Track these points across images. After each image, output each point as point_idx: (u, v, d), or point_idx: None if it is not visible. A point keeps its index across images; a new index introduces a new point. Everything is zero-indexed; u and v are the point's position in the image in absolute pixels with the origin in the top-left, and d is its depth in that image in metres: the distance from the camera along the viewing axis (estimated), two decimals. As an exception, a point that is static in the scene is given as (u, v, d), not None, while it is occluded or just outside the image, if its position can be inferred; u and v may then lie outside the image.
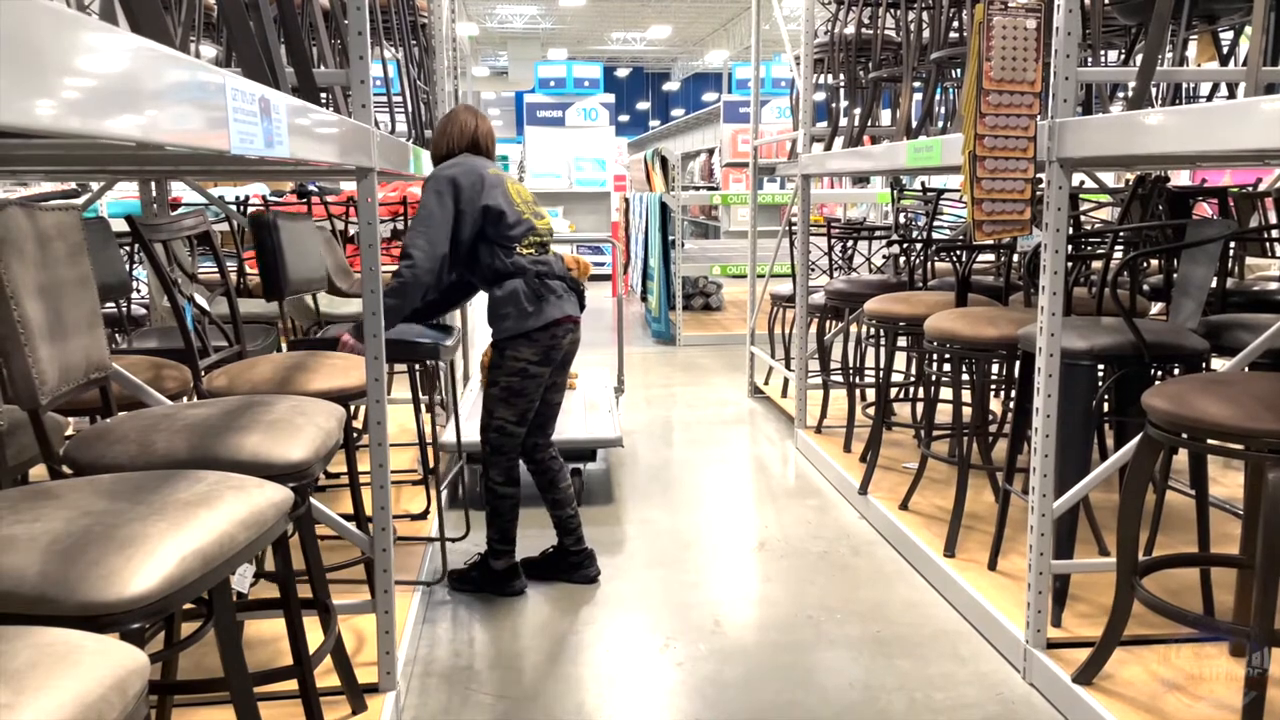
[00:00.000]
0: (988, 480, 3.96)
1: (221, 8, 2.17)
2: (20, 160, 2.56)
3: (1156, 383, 2.77)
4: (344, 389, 2.63)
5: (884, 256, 5.89)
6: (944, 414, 4.56)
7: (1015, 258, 4.02)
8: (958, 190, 4.01)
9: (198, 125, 1.24)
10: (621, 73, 34.01)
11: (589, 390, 5.13)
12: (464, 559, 3.43)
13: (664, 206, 8.75)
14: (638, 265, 10.34)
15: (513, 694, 2.68)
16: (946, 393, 4.33)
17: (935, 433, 4.17)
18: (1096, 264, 3.49)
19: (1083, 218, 3.95)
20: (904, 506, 3.84)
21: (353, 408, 3.01)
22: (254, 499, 1.59)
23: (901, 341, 4.86)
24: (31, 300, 1.70)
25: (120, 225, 3.41)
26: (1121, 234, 3.38)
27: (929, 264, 4.66)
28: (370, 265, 2.34)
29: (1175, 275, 3.32)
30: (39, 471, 1.99)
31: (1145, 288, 3.80)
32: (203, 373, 2.57)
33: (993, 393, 4.47)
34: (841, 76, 4.84)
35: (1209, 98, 3.81)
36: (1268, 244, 4.10)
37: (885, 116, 5.13)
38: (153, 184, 4.23)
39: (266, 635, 2.76)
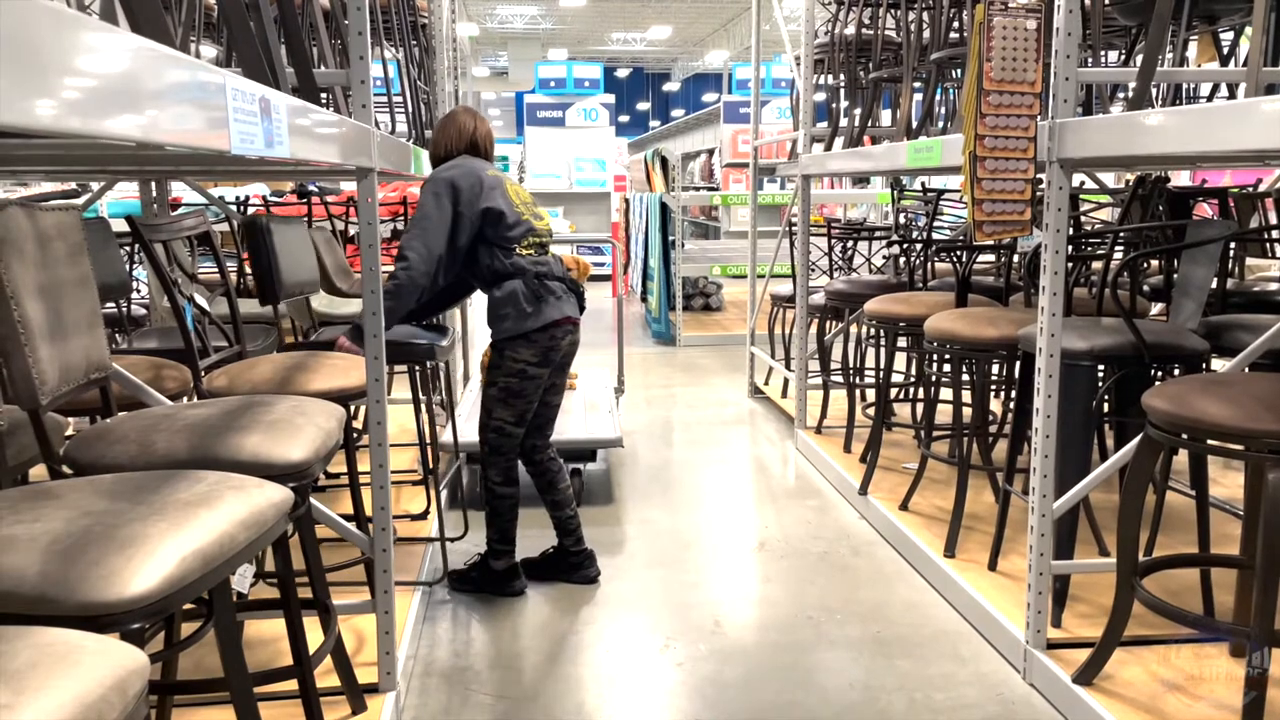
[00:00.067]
0: (988, 481, 3.96)
1: (221, 8, 2.17)
2: (20, 160, 2.56)
3: (1156, 383, 2.77)
4: (344, 389, 2.63)
5: (884, 257, 5.89)
6: (944, 414, 4.56)
7: (1015, 258, 4.02)
8: (958, 190, 4.01)
9: (198, 125, 1.24)
10: (622, 73, 34.02)
11: (589, 390, 5.13)
12: (464, 559, 3.43)
13: (664, 207, 8.75)
14: (638, 266, 10.34)
15: (513, 694, 2.68)
16: (946, 393, 4.33)
17: (935, 433, 4.17)
18: (1097, 264, 3.49)
19: (1083, 218, 3.95)
20: (904, 507, 3.84)
21: (353, 408, 3.01)
22: (254, 499, 1.59)
23: (901, 342, 4.86)
24: (31, 300, 1.70)
25: (120, 225, 3.41)
26: (1122, 234, 3.38)
27: (929, 264, 4.66)
28: (370, 265, 2.34)
29: (1175, 276, 3.32)
30: (39, 471, 1.99)
31: (1145, 288, 3.80)
32: (203, 373, 2.57)
33: (993, 393, 4.47)
34: (842, 77, 4.84)
35: (1209, 98, 3.81)
36: (1268, 244, 4.10)
37: (885, 117, 5.13)
38: (153, 184, 4.23)
39: (266, 635, 2.76)
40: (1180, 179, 5.78)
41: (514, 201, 3.16)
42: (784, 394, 6.05)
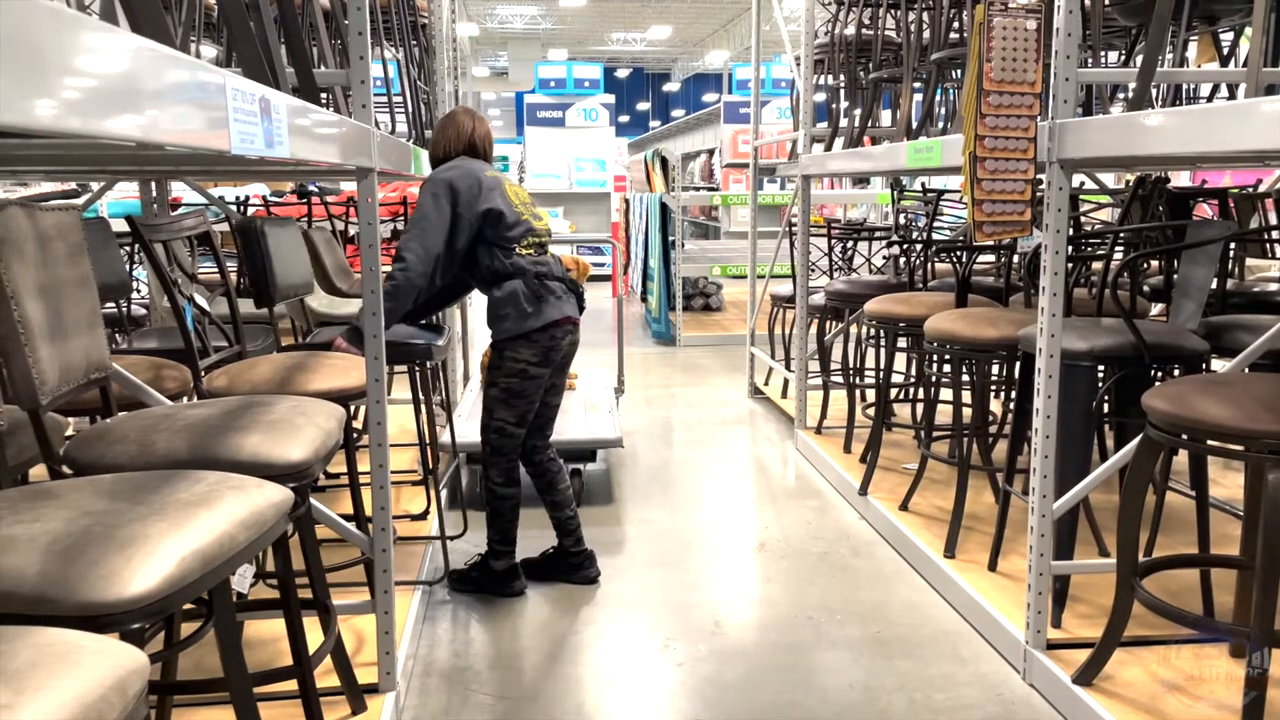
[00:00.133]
0: (988, 481, 3.96)
1: (221, 8, 2.17)
2: (20, 160, 2.56)
3: (1156, 384, 2.77)
4: (344, 389, 2.63)
5: (884, 257, 5.89)
6: (944, 415, 4.56)
7: (1015, 259, 4.02)
8: (958, 191, 4.01)
9: (198, 125, 1.24)
10: (622, 73, 34.02)
11: (589, 391, 5.13)
12: (464, 559, 3.43)
13: (664, 207, 8.75)
14: (638, 266, 10.34)
15: (513, 694, 2.68)
16: (946, 393, 4.33)
17: (935, 433, 4.17)
18: (1097, 265, 3.49)
19: (1083, 219, 3.95)
20: (904, 507, 3.84)
21: (353, 408, 3.01)
22: (254, 499, 1.59)
23: (901, 342, 4.86)
24: (31, 300, 1.70)
25: (120, 225, 3.41)
26: (1122, 235, 3.38)
27: (929, 265, 4.66)
28: (370, 266, 2.34)
29: (1175, 276, 3.32)
30: (39, 471, 1.99)
31: (1145, 289, 3.80)
32: (203, 373, 2.57)
33: (993, 393, 4.47)
34: (842, 77, 4.84)
35: (1209, 99, 3.81)
36: (1268, 245, 4.10)
37: (885, 117, 5.13)
38: (153, 184, 4.23)
39: (266, 635, 2.76)
40: (1180, 179, 5.78)
41: (513, 202, 3.16)
42: (784, 394, 6.05)
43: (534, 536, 3.61)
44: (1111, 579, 2.51)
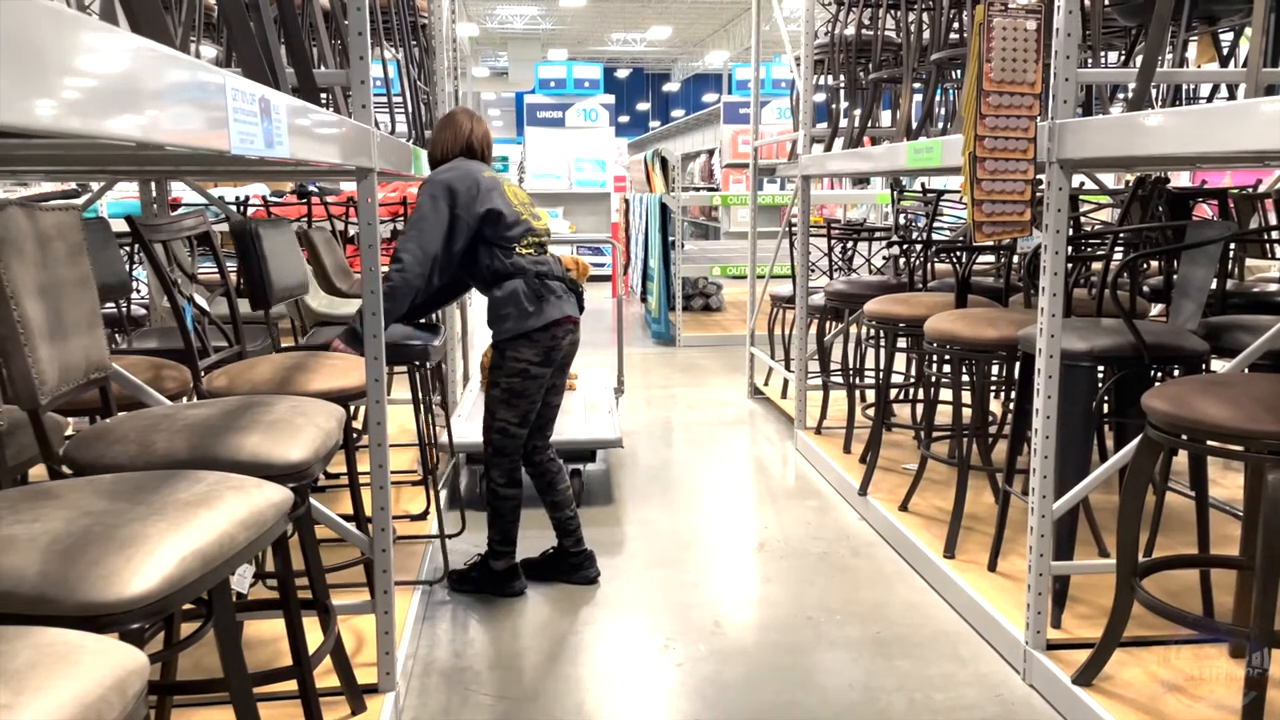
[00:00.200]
0: (987, 481, 3.96)
1: (221, 8, 2.17)
2: (20, 160, 2.56)
3: (1156, 384, 2.77)
4: (344, 389, 2.63)
5: (884, 258, 5.89)
6: (944, 415, 4.56)
7: (1015, 259, 4.02)
8: (958, 191, 4.01)
9: (198, 125, 1.24)
10: (621, 73, 34.01)
11: (589, 391, 5.13)
12: (464, 559, 3.43)
13: (664, 207, 8.75)
14: (638, 266, 10.34)
15: (512, 694, 2.68)
16: (946, 394, 4.33)
17: (935, 434, 4.17)
18: (1096, 265, 3.49)
19: (1083, 219, 3.95)
20: (904, 508, 3.84)
21: (352, 408, 3.01)
22: (254, 499, 1.59)
23: (901, 343, 4.86)
24: (31, 300, 1.70)
25: (120, 225, 3.41)
26: (1121, 235, 3.38)
27: (929, 265, 4.66)
28: (370, 266, 2.34)
29: (1175, 277, 3.32)
30: (39, 471, 1.99)
31: (1145, 289, 3.80)
32: (202, 373, 2.57)
33: (992, 394, 4.47)
34: (841, 77, 4.84)
35: (1209, 99, 3.81)
36: (1268, 245, 4.10)
37: (885, 118, 5.13)
38: (153, 184, 4.23)
39: (266, 635, 2.76)
40: (1180, 180, 5.78)
41: (512, 202, 3.16)
42: (784, 394, 6.05)
43: (534, 537, 3.61)
44: (1111, 579, 2.51)
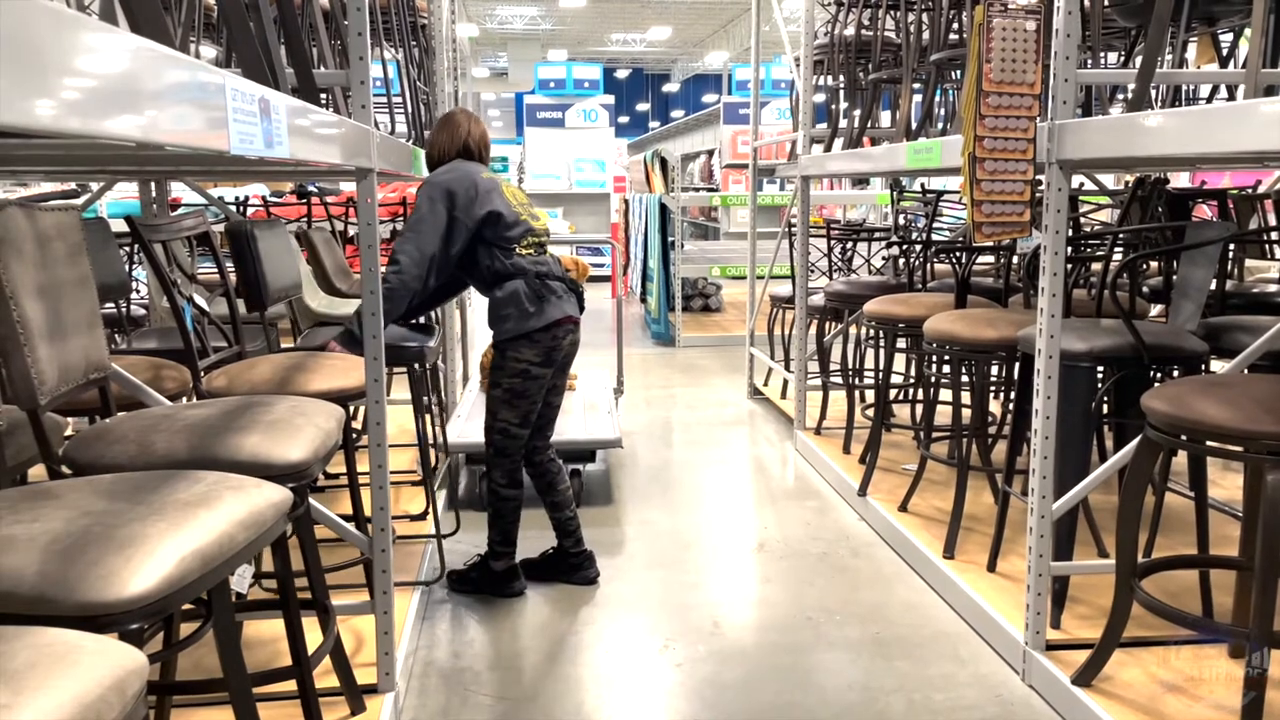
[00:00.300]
0: (987, 482, 3.96)
1: (221, 8, 2.17)
2: (20, 160, 2.56)
3: (1156, 385, 2.78)
4: (343, 390, 2.63)
5: (883, 258, 5.89)
6: (943, 415, 4.56)
7: (1015, 259, 4.02)
8: (957, 192, 4.01)
9: (198, 125, 1.24)
10: (621, 74, 34.01)
11: (588, 391, 5.13)
12: (463, 560, 3.43)
13: (663, 208, 8.75)
14: (637, 266, 10.34)
15: (512, 694, 2.68)
16: (946, 394, 4.33)
17: (935, 434, 4.17)
18: (1096, 266, 3.49)
19: (1082, 219, 3.95)
20: (903, 508, 3.84)
21: (352, 408, 3.01)
22: (253, 499, 1.59)
23: (901, 343, 4.86)
24: (31, 300, 1.70)
25: (120, 225, 3.40)
26: (1121, 236, 3.38)
27: (928, 265, 4.66)
28: (370, 266, 2.34)
29: (1175, 277, 3.33)
30: (38, 471, 1.99)
31: (1145, 290, 3.80)
32: (202, 373, 2.57)
33: (992, 394, 4.47)
34: (841, 78, 4.84)
35: (1209, 100, 3.81)
36: (1267, 246, 4.11)
37: (885, 118, 5.13)
38: (153, 184, 4.23)
39: (266, 635, 2.76)
40: (1179, 180, 5.78)
41: (511, 202, 3.16)
42: (783, 395, 6.05)
43: (534, 537, 3.61)
44: (1111, 580, 2.51)
